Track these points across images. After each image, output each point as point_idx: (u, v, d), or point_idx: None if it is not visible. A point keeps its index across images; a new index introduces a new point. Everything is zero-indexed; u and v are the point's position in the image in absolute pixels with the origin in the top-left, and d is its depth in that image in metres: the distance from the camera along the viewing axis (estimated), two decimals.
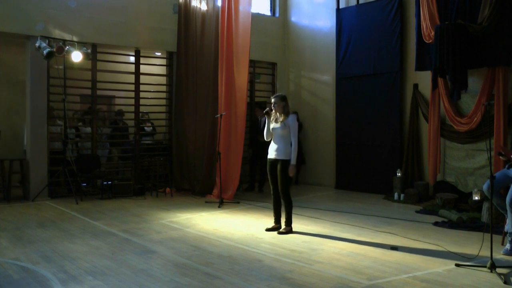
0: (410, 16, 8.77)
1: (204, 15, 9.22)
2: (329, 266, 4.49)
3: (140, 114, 9.79)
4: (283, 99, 5.91)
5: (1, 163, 8.11)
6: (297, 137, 5.86)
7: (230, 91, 8.55)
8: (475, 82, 7.66)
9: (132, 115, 9.64)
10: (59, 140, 8.53)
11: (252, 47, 8.62)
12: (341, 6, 9.99)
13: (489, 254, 4.32)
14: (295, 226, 6.04)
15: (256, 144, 9.36)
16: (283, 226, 5.98)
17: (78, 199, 8.09)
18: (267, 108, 5.99)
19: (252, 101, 10.98)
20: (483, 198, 6.75)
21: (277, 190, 5.98)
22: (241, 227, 6.29)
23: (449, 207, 7.22)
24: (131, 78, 9.52)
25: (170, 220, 6.70)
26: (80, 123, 9.33)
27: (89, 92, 9.04)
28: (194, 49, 9.33)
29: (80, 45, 8.26)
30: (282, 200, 5.92)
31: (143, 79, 9.66)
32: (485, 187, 5.00)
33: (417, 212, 7.33)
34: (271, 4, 11.48)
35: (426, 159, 8.45)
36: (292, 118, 5.83)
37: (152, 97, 10.11)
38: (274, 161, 5.86)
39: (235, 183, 8.39)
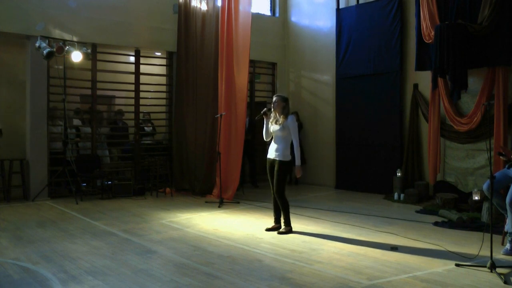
0: (410, 16, 8.77)
1: (204, 15, 9.22)
2: (329, 266, 4.49)
3: (141, 114, 9.79)
4: (284, 100, 5.92)
5: (1, 163, 8.11)
6: (298, 138, 5.85)
7: (230, 91, 8.55)
8: (475, 82, 7.66)
9: (132, 115, 9.64)
10: (60, 140, 8.53)
11: (252, 47, 8.62)
12: (341, 6, 9.99)
13: (489, 254, 4.31)
14: (295, 226, 6.04)
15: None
16: (283, 226, 5.98)
17: (78, 199, 8.09)
18: (265, 109, 5.99)
19: (252, 101, 10.99)
20: (483, 198, 6.75)
21: None
22: (241, 227, 6.29)
23: (449, 207, 7.22)
24: (131, 78, 9.52)
25: (170, 220, 6.70)
26: (80, 123, 9.33)
27: (89, 92, 9.04)
28: (194, 49, 9.33)
29: (80, 45, 8.26)
30: (277, 201, 5.91)
31: (143, 79, 9.66)
32: (485, 187, 4.99)
33: (417, 212, 7.33)
34: (271, 4, 11.48)
35: (426, 159, 8.45)
36: (291, 119, 5.83)
37: (152, 97, 10.12)
38: (272, 161, 5.87)
39: (235, 183, 8.39)
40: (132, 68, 9.60)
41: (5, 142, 8.24)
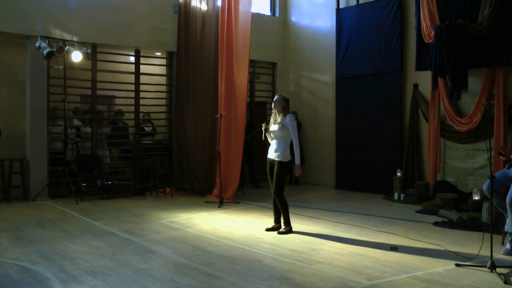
0: (410, 16, 8.77)
1: (204, 15, 9.22)
2: (329, 266, 4.49)
3: (141, 114, 9.78)
4: (285, 99, 5.97)
5: (1, 163, 8.11)
6: (297, 137, 5.86)
7: (230, 91, 8.55)
8: (475, 82, 7.66)
9: (132, 115, 9.64)
10: (60, 140, 8.53)
11: (252, 47, 8.62)
12: (341, 6, 9.99)
13: (489, 254, 4.32)
14: (295, 226, 6.04)
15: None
16: (283, 226, 5.98)
17: (78, 199, 8.09)
18: (263, 126, 5.97)
19: (252, 101, 10.99)
20: (483, 198, 6.75)
21: None
22: (241, 227, 6.29)
23: (449, 207, 7.22)
24: (131, 78, 9.52)
25: (170, 220, 6.70)
26: (80, 123, 9.33)
27: (89, 92, 9.04)
28: (194, 49, 9.33)
29: (80, 45, 8.26)
30: (276, 201, 5.91)
31: (143, 79, 9.66)
32: (485, 187, 4.99)
33: (417, 212, 7.33)
34: (271, 4, 11.48)
35: (426, 159, 8.45)
36: (289, 118, 5.83)
37: (152, 97, 10.12)
38: (272, 162, 5.88)
39: (235, 183, 8.39)
40: (132, 68, 9.60)
41: (5, 142, 8.24)
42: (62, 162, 8.31)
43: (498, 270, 4.21)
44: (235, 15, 8.52)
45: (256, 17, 10.13)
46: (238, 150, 8.39)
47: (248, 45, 8.27)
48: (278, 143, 5.86)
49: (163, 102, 10.08)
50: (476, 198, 6.99)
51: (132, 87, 9.57)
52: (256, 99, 11.18)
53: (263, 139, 6.06)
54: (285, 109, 5.90)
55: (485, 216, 6.46)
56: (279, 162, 5.79)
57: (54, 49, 7.81)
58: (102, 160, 9.21)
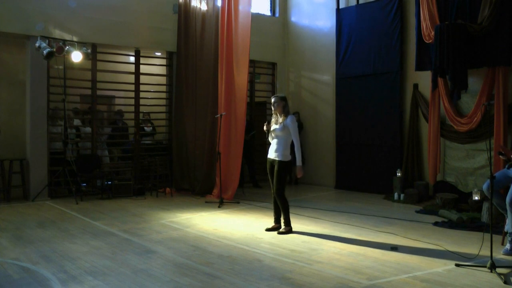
0: (410, 16, 8.77)
1: (204, 15, 9.23)
2: (329, 266, 4.49)
3: (141, 114, 9.78)
4: (283, 99, 5.95)
5: (1, 163, 8.11)
6: (298, 138, 5.85)
7: (230, 91, 8.55)
8: (475, 82, 7.66)
9: (132, 115, 9.64)
10: (60, 140, 8.53)
11: (252, 47, 8.62)
12: (341, 6, 9.99)
13: (489, 254, 4.32)
14: (295, 226, 6.04)
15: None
16: (283, 226, 5.98)
17: (78, 199, 8.09)
18: (265, 127, 5.97)
19: (252, 101, 10.99)
20: (483, 198, 6.76)
21: None
22: (241, 227, 6.29)
23: (449, 207, 7.22)
24: (131, 78, 9.52)
25: (170, 220, 6.70)
26: (80, 123, 9.33)
27: (89, 92, 9.04)
28: (194, 49, 9.33)
29: (80, 45, 8.26)
30: (277, 200, 5.91)
31: (143, 79, 9.66)
32: (485, 187, 5.00)
33: (417, 212, 7.33)
34: (271, 4, 11.48)
35: (426, 159, 8.45)
36: (290, 119, 5.83)
37: (152, 97, 10.12)
38: (272, 161, 5.89)
39: (235, 183, 8.39)
40: (132, 68, 9.59)
41: (5, 142, 8.25)
42: (62, 162, 8.31)
43: (498, 270, 4.21)
44: (235, 15, 8.53)
45: (256, 17, 10.13)
46: (238, 150, 8.39)
47: (248, 45, 8.27)
48: (279, 143, 5.86)
49: (163, 102, 10.08)
50: (476, 198, 6.99)
51: (132, 87, 9.56)
52: (256, 99, 11.18)
53: (267, 137, 6.05)
54: (285, 108, 5.90)
55: (485, 216, 6.46)
56: (279, 162, 5.79)
57: (54, 49, 7.81)
58: (102, 160, 9.21)
